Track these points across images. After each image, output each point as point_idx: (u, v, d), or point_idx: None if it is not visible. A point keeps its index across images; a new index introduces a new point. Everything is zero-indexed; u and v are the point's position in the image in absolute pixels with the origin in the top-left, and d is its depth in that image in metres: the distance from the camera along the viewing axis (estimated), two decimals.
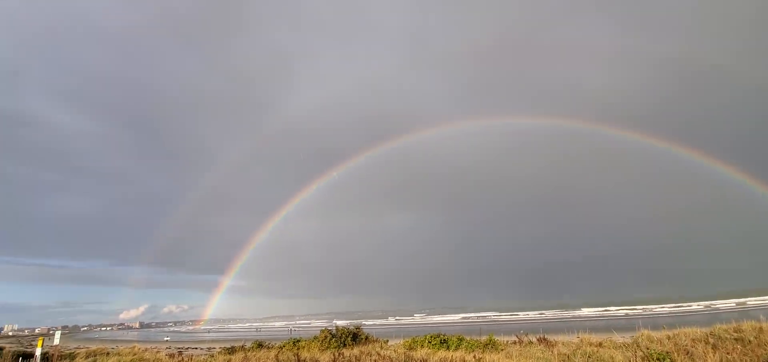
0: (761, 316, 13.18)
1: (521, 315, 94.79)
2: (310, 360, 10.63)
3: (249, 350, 14.61)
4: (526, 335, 14.85)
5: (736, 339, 11.60)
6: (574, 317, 66.87)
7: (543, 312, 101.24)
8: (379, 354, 10.80)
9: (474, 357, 10.17)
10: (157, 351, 17.00)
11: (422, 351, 11.37)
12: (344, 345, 14.76)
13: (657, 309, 73.12)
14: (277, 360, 10.61)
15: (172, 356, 14.97)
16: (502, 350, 12.31)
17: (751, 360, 8.76)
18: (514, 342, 13.84)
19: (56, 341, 12.97)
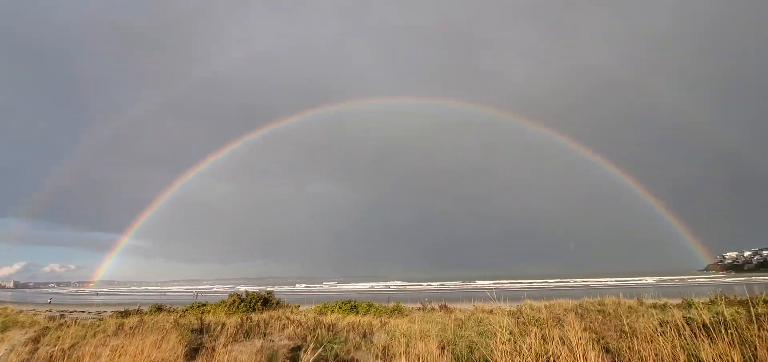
0: (621, 293, 15.99)
1: (425, 285, 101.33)
2: (215, 323, 10.31)
3: (146, 313, 13.63)
4: (430, 302, 16.08)
5: (598, 311, 13.88)
6: (473, 288, 73.64)
7: (445, 282, 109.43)
8: (288, 318, 10.88)
9: (380, 321, 10.77)
10: (35, 313, 14.99)
11: (332, 316, 11.71)
12: (254, 310, 14.54)
13: (543, 283, 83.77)
14: (178, 324, 10.11)
15: (52, 319, 13.30)
16: (406, 315, 13.18)
17: (607, 328, 10.58)
18: (419, 309, 14.89)
19: None
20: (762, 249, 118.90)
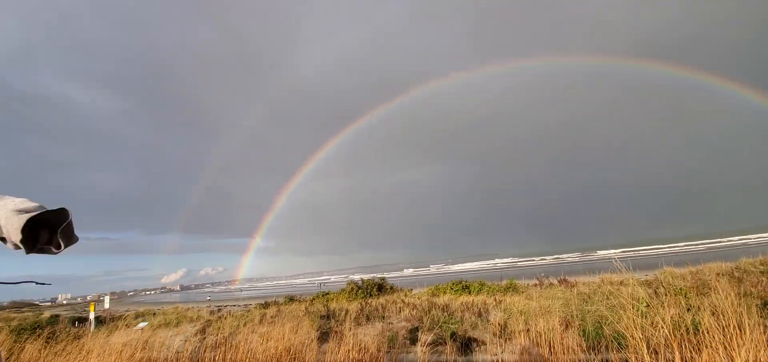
0: None
1: (538, 260, 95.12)
2: (338, 310, 11.26)
3: (281, 304, 15.53)
4: (547, 277, 15.16)
5: (761, 272, 11.55)
6: (594, 259, 66.95)
7: (560, 256, 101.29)
8: (403, 301, 11.34)
9: (495, 300, 10.55)
10: (198, 310, 18.30)
11: (445, 297, 11.84)
12: (370, 296, 15.45)
13: (683, 246, 71.98)
14: (308, 311, 11.29)
15: (212, 313, 16.11)
16: (522, 292, 12.67)
17: (752, 291, 8.75)
18: (535, 285, 14.17)
19: (106, 305, 14.10)
20: None
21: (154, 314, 18.79)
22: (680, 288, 10.64)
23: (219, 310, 18.37)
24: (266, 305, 15.94)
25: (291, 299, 16.58)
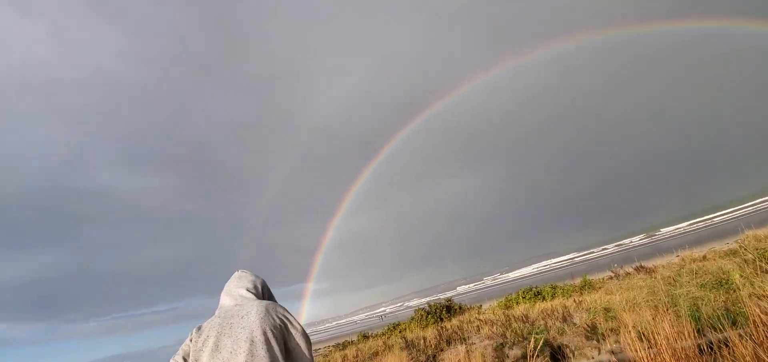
0: None
1: (597, 251, 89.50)
2: (416, 338, 11.41)
3: (357, 343, 15.84)
4: (621, 267, 14.57)
5: None
6: (661, 238, 62.40)
7: (622, 242, 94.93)
8: (478, 319, 11.32)
9: (574, 301, 10.33)
10: None
11: (520, 307, 11.70)
12: (441, 319, 15.47)
13: (753, 207, 65.51)
14: (386, 345, 11.52)
15: None
16: (599, 288, 12.28)
17: None
18: (610, 278, 13.67)
19: None
20: None
21: None
22: None
23: None
24: (344, 346, 16.30)
25: (365, 336, 16.86)
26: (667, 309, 7.75)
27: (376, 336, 15.97)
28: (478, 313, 13.38)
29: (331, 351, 16.61)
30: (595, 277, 14.29)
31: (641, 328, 7.00)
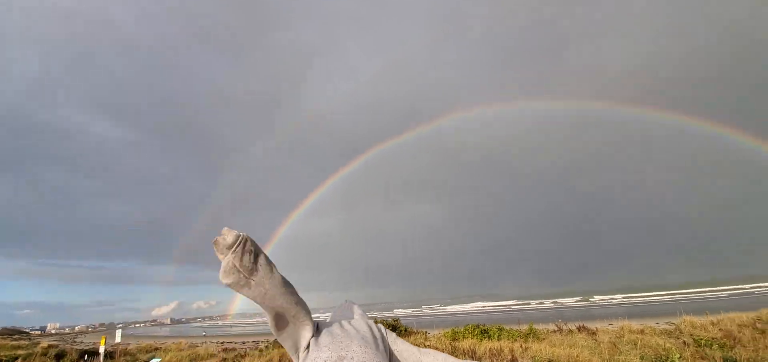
0: None
1: (535, 303, 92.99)
2: None
3: None
4: (565, 323, 14.98)
5: None
6: (596, 304, 65.88)
7: (558, 300, 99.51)
8: (426, 345, 11.15)
9: (520, 346, 10.40)
10: (206, 345, 17.84)
11: (466, 341, 11.66)
12: None
13: (689, 293, 70.81)
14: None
15: (225, 350, 15.68)
16: (543, 339, 12.49)
17: None
18: (555, 331, 13.99)
19: (118, 339, 13.78)
20: None
21: (157, 349, 18.31)
22: (709, 339, 10.54)
23: (231, 348, 17.93)
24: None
25: None
26: None
27: None
28: (425, 339, 13.23)
29: (267, 347, 15.85)
30: (540, 327, 14.57)
31: None
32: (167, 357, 13.77)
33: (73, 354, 13.70)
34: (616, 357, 9.14)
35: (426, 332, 15.59)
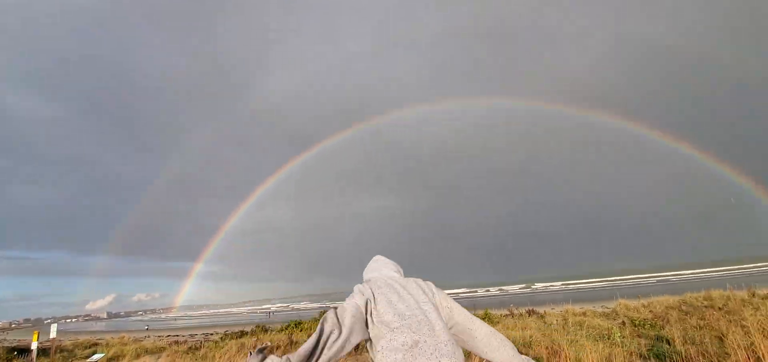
0: (727, 285, 14.79)
1: (482, 292, 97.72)
2: None
3: (257, 334, 14.81)
4: (517, 308, 15.87)
5: (706, 306, 12.97)
6: (538, 291, 70.40)
7: (504, 287, 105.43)
8: None
9: None
10: (154, 340, 16.87)
11: None
12: None
13: (622, 280, 77.50)
14: (290, 340, 10.96)
15: (175, 343, 14.90)
16: (497, 322, 13.17)
17: (724, 324, 9.89)
18: (507, 315, 14.77)
19: (53, 334, 12.67)
20: None
21: (97, 344, 17.11)
22: (643, 320, 11.67)
23: (186, 341, 17.12)
24: (241, 334, 15.09)
25: (264, 329, 15.86)
26: (560, 351, 8.52)
27: (279, 330, 15.15)
28: None
29: (222, 337, 15.32)
30: (494, 312, 15.32)
31: None
32: (111, 352, 12.89)
33: (2, 353, 12.38)
34: (565, 337, 9.85)
35: None
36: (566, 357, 6.51)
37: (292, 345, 10.50)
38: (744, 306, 12.71)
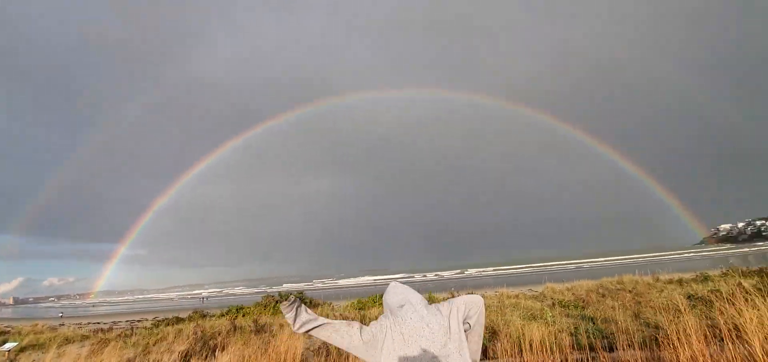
0: (636, 271, 16.75)
1: (419, 276, 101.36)
2: (270, 324, 10.83)
3: (194, 320, 14.07)
4: (457, 291, 16.69)
5: (619, 289, 14.60)
6: (473, 276, 74.63)
7: (440, 272, 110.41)
8: (341, 316, 11.41)
9: None
10: (61, 326, 15.36)
11: (376, 309, 12.25)
12: None
13: (544, 266, 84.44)
14: (234, 325, 10.61)
15: (100, 331, 13.65)
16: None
17: (635, 304, 11.23)
18: (448, 298, 15.48)
19: None
20: (755, 219, 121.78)
21: (8, 333, 15.29)
22: (567, 301, 12.88)
23: (110, 329, 15.80)
24: (177, 320, 14.23)
25: (202, 315, 15.13)
26: (499, 331, 9.15)
27: (216, 316, 14.55)
28: (332, 310, 13.49)
29: (153, 324, 14.38)
30: (436, 295, 15.97)
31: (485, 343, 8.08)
32: (25, 341, 11.59)
33: None
34: (504, 317, 10.59)
35: (330, 303, 15.92)
36: (508, 334, 7.05)
37: (236, 330, 10.18)
38: (650, 289, 14.55)
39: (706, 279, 14.18)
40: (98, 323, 24.19)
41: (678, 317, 6.60)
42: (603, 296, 14.17)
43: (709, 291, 11.24)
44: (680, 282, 15.32)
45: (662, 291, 13.32)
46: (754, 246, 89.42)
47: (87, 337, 12.51)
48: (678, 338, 3.51)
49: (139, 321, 26.12)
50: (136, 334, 10.96)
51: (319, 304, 15.60)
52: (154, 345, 9.00)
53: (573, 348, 5.77)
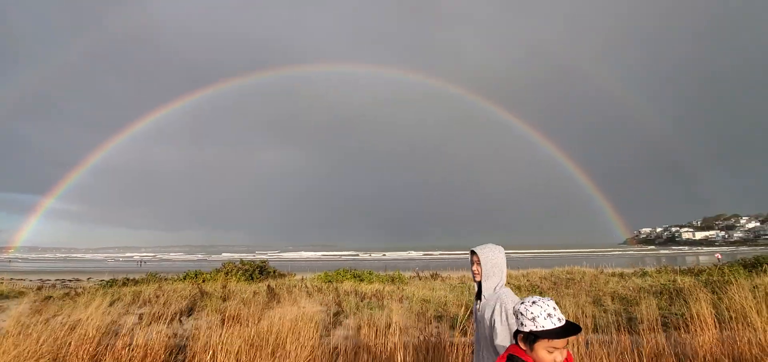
0: (584, 263, 18.10)
1: (378, 255, 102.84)
2: (236, 291, 10.47)
3: (143, 282, 13.21)
4: (421, 271, 17.12)
5: (569, 278, 15.71)
6: (413, 258, 76.96)
7: (398, 253, 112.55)
8: (310, 286, 11.27)
9: (397, 288, 11.53)
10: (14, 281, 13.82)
11: (347, 284, 12.26)
12: (253, 279, 14.66)
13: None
14: (202, 291, 10.14)
15: (39, 288, 12.36)
16: (407, 283, 14.06)
17: (584, 293, 12.15)
18: (413, 278, 15.84)
19: None
20: (670, 226, 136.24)
21: None
22: (524, 287, 13.67)
23: (52, 285, 14.44)
24: (128, 282, 13.25)
25: (154, 275, 14.28)
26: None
27: (173, 279, 13.79)
28: (302, 281, 13.31)
29: (100, 284, 13.33)
30: (404, 274, 16.26)
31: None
32: None
33: None
34: (469, 298, 11.02)
35: (292, 274, 15.69)
36: None
37: (204, 296, 9.75)
38: (596, 280, 15.83)
39: (644, 274, 15.62)
40: (22, 279, 22.01)
41: (645, 302, 7.25)
42: (555, 284, 15.22)
43: (659, 284, 12.47)
44: (622, 275, 16.80)
45: (607, 282, 14.54)
46: (671, 248, 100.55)
47: (24, 293, 11.38)
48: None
49: (70, 280, 24.13)
50: (85, 293, 10.11)
51: (282, 275, 15.33)
52: (110, 307, 8.38)
53: None
